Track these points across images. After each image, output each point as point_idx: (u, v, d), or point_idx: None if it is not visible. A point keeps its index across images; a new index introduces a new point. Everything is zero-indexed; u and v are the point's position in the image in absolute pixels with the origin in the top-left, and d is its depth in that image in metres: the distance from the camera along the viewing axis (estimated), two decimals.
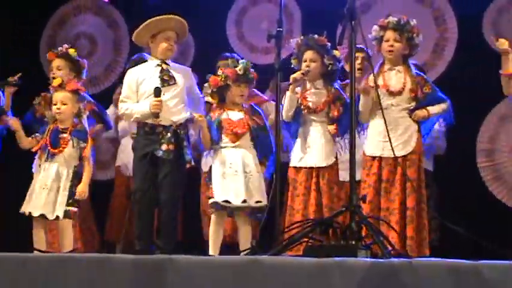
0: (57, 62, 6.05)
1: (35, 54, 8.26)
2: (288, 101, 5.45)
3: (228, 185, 5.26)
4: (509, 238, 5.29)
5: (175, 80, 5.36)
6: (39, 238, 5.37)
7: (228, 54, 6.30)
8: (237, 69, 5.40)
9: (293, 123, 5.53)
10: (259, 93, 6.29)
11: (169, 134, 5.26)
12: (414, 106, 5.32)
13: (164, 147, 5.24)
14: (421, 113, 5.31)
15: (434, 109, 5.35)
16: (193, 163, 5.37)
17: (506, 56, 5.23)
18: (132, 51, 6.86)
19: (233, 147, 5.36)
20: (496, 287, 3.01)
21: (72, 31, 8.36)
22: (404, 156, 5.19)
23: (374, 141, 5.31)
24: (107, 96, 6.89)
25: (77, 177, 5.38)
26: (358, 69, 5.76)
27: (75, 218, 5.48)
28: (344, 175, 5.52)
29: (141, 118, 5.33)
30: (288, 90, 5.47)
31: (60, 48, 6.12)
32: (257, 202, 5.26)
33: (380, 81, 5.30)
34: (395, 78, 5.35)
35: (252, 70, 5.47)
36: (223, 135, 5.38)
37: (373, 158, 5.28)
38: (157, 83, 5.30)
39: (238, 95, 5.42)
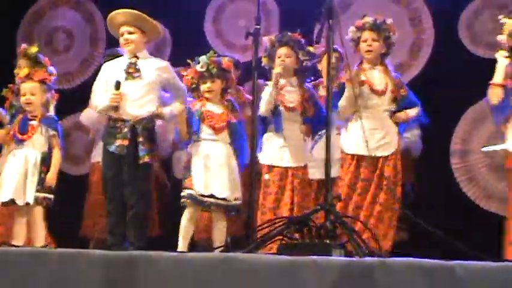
0: (20, 62, 5.94)
1: (12, 48, 8.19)
2: (269, 95, 5.43)
3: (211, 179, 5.17)
4: (481, 238, 5.33)
5: (140, 73, 5.37)
6: (19, 231, 5.32)
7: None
8: (198, 67, 5.32)
9: (276, 118, 5.49)
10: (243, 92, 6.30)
11: (125, 129, 5.28)
12: (395, 108, 5.38)
13: (118, 142, 5.28)
14: (402, 115, 5.38)
15: (412, 112, 5.43)
16: (147, 160, 5.27)
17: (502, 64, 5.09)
18: (110, 46, 6.83)
19: (214, 140, 5.28)
20: (468, 287, 3.03)
21: (49, 25, 8.31)
22: (385, 157, 5.26)
23: (357, 139, 5.28)
24: (83, 91, 6.83)
25: (45, 164, 5.37)
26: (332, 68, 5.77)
27: (47, 205, 5.41)
28: (312, 173, 5.55)
29: (103, 110, 5.42)
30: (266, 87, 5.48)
31: (23, 46, 5.97)
32: (235, 199, 5.23)
33: (362, 77, 5.34)
34: (378, 77, 5.39)
35: (219, 62, 5.33)
36: (204, 127, 5.29)
37: (353, 156, 5.31)
38: (122, 76, 5.34)
39: (206, 91, 5.32)
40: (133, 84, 5.37)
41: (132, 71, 5.39)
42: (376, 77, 5.40)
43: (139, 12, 5.47)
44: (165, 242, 5.90)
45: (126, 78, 5.37)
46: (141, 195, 5.31)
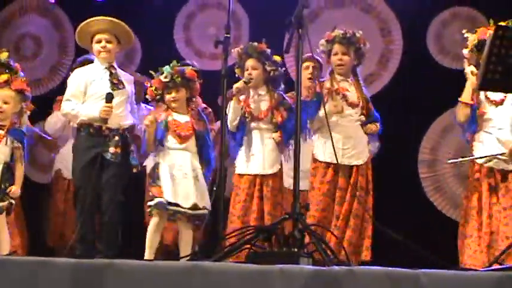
0: None
1: None
2: (232, 111, 5.47)
3: (177, 188, 5.14)
4: (448, 247, 5.36)
5: (124, 85, 5.38)
6: None
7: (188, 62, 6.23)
8: (162, 77, 5.30)
9: (238, 132, 5.55)
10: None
11: (116, 137, 5.28)
12: (366, 120, 5.40)
13: (112, 150, 5.26)
14: (374, 127, 5.42)
15: (378, 125, 5.46)
16: (139, 168, 5.36)
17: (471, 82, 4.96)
18: (78, 53, 6.79)
19: (181, 149, 5.27)
20: None
21: (17, 32, 8.24)
22: (358, 166, 5.28)
23: (331, 148, 5.27)
24: (50, 98, 6.79)
25: (7, 174, 5.26)
26: (309, 78, 5.79)
27: (9, 212, 5.33)
28: (290, 182, 5.54)
29: (88, 121, 5.33)
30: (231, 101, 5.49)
31: None
32: (202, 208, 5.20)
33: (335, 86, 5.35)
34: (351, 89, 5.40)
35: (182, 71, 5.33)
36: (170, 136, 5.27)
37: (328, 165, 5.32)
38: (108, 86, 5.35)
39: (171, 101, 5.31)
40: (118, 95, 5.36)
41: (117, 82, 5.40)
42: (349, 88, 5.42)
43: (119, 21, 5.45)
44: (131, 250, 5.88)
45: (113, 89, 5.35)
46: (118, 204, 5.29)
